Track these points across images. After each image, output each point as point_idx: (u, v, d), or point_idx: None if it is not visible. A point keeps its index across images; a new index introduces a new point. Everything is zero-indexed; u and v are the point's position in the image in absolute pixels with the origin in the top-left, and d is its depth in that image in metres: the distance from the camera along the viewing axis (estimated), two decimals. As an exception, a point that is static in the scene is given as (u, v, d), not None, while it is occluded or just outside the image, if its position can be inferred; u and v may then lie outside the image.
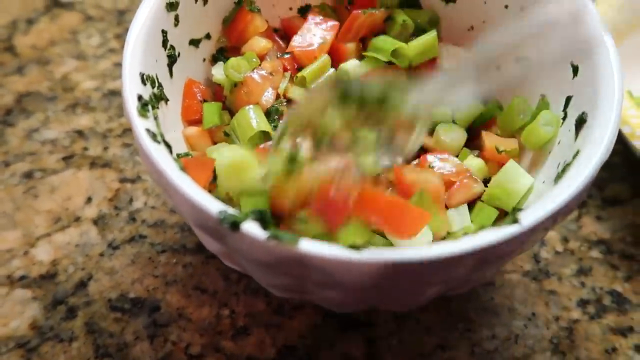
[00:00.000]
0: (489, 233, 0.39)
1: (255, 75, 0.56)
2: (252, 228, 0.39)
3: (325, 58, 0.57)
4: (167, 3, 0.52)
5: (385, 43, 0.58)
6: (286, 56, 0.59)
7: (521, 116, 0.55)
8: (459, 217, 0.51)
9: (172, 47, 0.53)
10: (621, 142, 0.63)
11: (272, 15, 0.62)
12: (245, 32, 0.60)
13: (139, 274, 0.58)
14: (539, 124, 0.52)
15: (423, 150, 0.58)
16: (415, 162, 0.55)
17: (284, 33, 0.63)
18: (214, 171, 0.50)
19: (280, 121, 0.54)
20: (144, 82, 0.48)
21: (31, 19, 0.79)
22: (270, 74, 0.56)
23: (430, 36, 0.58)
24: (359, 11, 0.59)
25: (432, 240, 0.49)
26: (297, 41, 0.59)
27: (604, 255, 0.61)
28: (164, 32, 0.52)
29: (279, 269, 0.41)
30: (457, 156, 0.56)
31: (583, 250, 0.62)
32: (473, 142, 0.58)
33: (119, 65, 0.75)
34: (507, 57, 0.39)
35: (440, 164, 0.53)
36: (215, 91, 0.59)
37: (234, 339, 0.55)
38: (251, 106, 0.54)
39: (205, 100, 0.56)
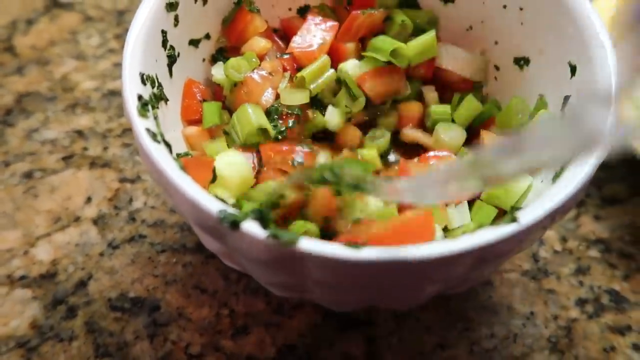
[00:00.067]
0: (487, 232, 0.40)
1: (255, 75, 0.56)
2: (251, 227, 0.39)
3: (324, 58, 0.57)
4: (166, 3, 0.52)
5: (384, 43, 0.58)
6: (285, 56, 0.59)
7: (519, 116, 0.55)
8: (459, 215, 0.51)
9: (171, 47, 0.54)
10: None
11: (271, 16, 0.63)
12: (244, 32, 0.60)
13: (139, 274, 0.59)
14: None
15: (423, 149, 0.58)
16: (415, 160, 0.55)
17: (283, 33, 0.64)
18: (214, 171, 0.50)
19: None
20: (143, 82, 0.48)
21: (31, 20, 0.79)
22: (270, 74, 0.56)
23: (429, 36, 0.59)
24: (358, 11, 0.59)
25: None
26: (296, 42, 0.59)
27: (603, 254, 0.62)
28: (164, 32, 0.52)
29: (279, 268, 0.41)
30: (456, 155, 0.56)
31: (581, 249, 0.62)
32: (472, 142, 0.58)
33: (118, 65, 0.75)
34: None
35: (440, 162, 0.54)
36: (215, 91, 0.59)
37: (233, 338, 0.55)
38: (251, 104, 0.55)
39: (204, 100, 0.56)
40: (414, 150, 0.59)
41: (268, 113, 0.55)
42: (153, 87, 0.49)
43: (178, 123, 0.55)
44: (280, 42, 0.62)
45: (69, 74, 0.74)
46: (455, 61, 0.61)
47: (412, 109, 0.60)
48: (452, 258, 0.39)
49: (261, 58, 0.58)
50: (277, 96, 0.57)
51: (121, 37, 0.78)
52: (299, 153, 0.52)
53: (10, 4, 0.81)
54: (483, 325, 0.57)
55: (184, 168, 0.43)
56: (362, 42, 0.61)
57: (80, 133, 0.69)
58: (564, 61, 0.53)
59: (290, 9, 0.64)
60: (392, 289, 0.42)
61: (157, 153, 0.43)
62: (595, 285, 0.60)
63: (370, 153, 0.56)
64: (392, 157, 0.59)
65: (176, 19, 0.54)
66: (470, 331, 0.56)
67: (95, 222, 0.62)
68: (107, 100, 0.71)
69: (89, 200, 0.63)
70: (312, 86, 0.57)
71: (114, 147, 0.68)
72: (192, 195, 0.41)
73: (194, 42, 0.57)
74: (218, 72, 0.58)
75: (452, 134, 0.57)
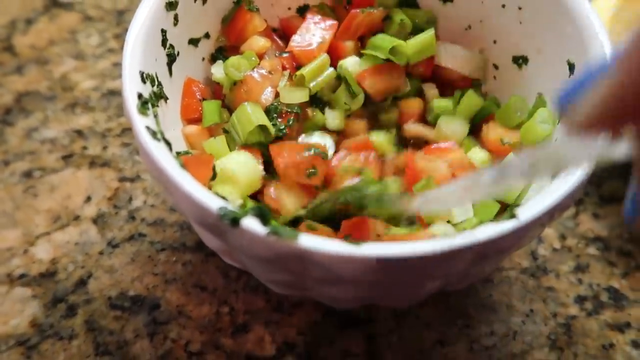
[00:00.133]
0: (487, 228, 0.40)
1: (255, 74, 0.56)
2: (252, 224, 0.39)
3: (324, 57, 0.58)
4: (166, 2, 0.52)
5: (383, 41, 0.58)
6: (285, 55, 0.59)
7: (518, 114, 0.56)
8: (463, 209, 0.51)
9: (171, 46, 0.54)
10: (618, 140, 0.64)
11: (270, 15, 0.63)
12: (244, 32, 0.60)
13: (139, 272, 0.59)
14: (536, 121, 0.53)
15: (425, 144, 0.58)
16: (420, 152, 0.55)
17: (282, 32, 0.64)
18: (214, 169, 0.50)
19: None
20: (143, 81, 0.48)
21: (30, 19, 0.79)
22: (270, 72, 0.57)
23: (428, 34, 0.59)
24: (358, 10, 0.59)
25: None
26: (296, 40, 0.59)
27: (601, 252, 0.62)
28: (164, 31, 0.52)
29: (279, 265, 0.42)
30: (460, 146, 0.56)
31: (580, 247, 0.62)
32: (474, 137, 0.58)
33: (118, 65, 0.75)
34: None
35: (445, 153, 0.54)
36: (215, 90, 0.59)
37: (233, 336, 0.55)
38: (250, 102, 0.55)
39: (204, 99, 0.57)
40: (416, 146, 0.59)
41: (267, 112, 0.55)
42: (153, 86, 0.50)
43: (178, 122, 0.55)
44: (279, 41, 0.62)
45: (69, 74, 0.74)
46: (454, 59, 0.61)
47: (413, 105, 0.60)
48: (452, 254, 0.39)
49: (260, 57, 0.59)
50: (277, 95, 0.57)
51: (121, 37, 0.78)
52: (309, 152, 0.52)
53: (10, 3, 0.81)
54: (483, 323, 0.57)
55: (184, 166, 0.44)
56: (362, 41, 0.61)
57: (79, 132, 0.69)
58: (562, 60, 0.53)
59: (289, 9, 0.64)
60: (392, 285, 0.42)
61: (157, 151, 0.43)
62: (594, 282, 0.60)
63: (379, 137, 0.56)
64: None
65: (176, 18, 0.54)
66: (470, 328, 0.56)
67: (94, 221, 0.62)
68: (106, 99, 0.72)
69: (88, 199, 0.63)
70: (311, 84, 0.57)
71: (114, 146, 0.68)
72: (193, 193, 0.41)
73: (194, 41, 0.57)
74: (218, 71, 0.58)
75: (454, 126, 0.57)
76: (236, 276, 0.58)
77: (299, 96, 0.56)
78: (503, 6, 0.58)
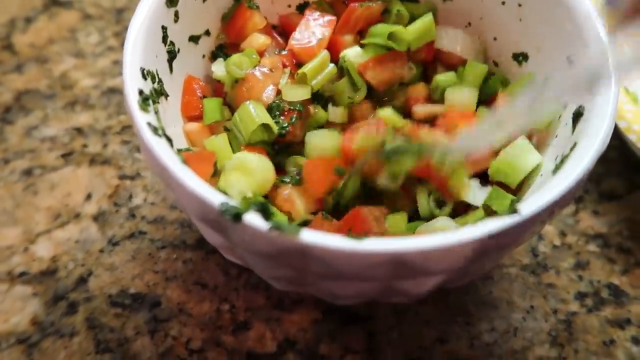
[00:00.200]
0: (488, 223, 0.40)
1: (256, 72, 0.56)
2: (254, 219, 0.39)
3: (324, 54, 0.57)
4: (167, -1, 0.52)
5: (382, 28, 0.58)
6: (284, 52, 0.59)
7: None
8: (479, 191, 0.51)
9: (172, 43, 0.54)
10: (617, 138, 0.64)
11: (270, 12, 0.63)
12: (244, 29, 0.60)
13: (139, 270, 0.59)
14: None
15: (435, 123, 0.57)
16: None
17: (282, 30, 0.64)
18: (215, 165, 0.50)
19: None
20: (144, 77, 0.48)
21: (30, 18, 0.79)
22: (271, 70, 0.57)
23: (427, 19, 0.58)
24: (356, 4, 0.59)
25: (450, 211, 0.52)
26: (295, 38, 0.59)
27: (601, 249, 0.62)
28: (164, 28, 0.52)
29: (281, 260, 0.42)
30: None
31: (580, 244, 0.62)
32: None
33: (117, 63, 0.75)
34: None
35: (461, 119, 0.54)
36: (215, 88, 0.59)
37: (234, 334, 0.55)
38: (252, 101, 0.55)
39: (204, 97, 0.56)
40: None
41: (269, 109, 0.55)
42: (154, 83, 0.50)
43: (178, 119, 0.55)
44: (279, 39, 0.62)
45: (68, 72, 0.74)
46: (455, 43, 0.60)
47: (419, 90, 0.59)
48: (453, 249, 0.39)
49: (260, 54, 0.59)
50: (278, 92, 0.57)
51: (120, 35, 0.78)
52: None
53: (9, 2, 0.81)
54: (483, 320, 0.57)
55: (185, 162, 0.44)
56: (361, 36, 0.61)
57: (79, 130, 0.69)
58: (562, 56, 0.53)
59: (289, 6, 0.64)
60: (393, 280, 0.42)
61: (159, 147, 0.43)
62: (595, 279, 0.60)
63: (387, 112, 0.56)
64: None
65: (176, 15, 0.54)
66: (471, 325, 0.56)
67: (95, 218, 0.62)
68: (106, 97, 0.72)
69: (88, 197, 0.63)
70: (313, 82, 0.57)
71: (114, 144, 0.68)
72: (195, 189, 0.41)
73: (194, 39, 0.57)
74: (218, 68, 0.58)
75: (462, 94, 0.56)
76: (237, 274, 0.58)
77: (301, 93, 0.56)
78: (503, 3, 0.58)
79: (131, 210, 0.63)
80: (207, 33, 0.59)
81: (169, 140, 0.47)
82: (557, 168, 0.46)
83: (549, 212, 0.42)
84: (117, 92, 0.72)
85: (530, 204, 0.41)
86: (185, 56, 0.56)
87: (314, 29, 0.59)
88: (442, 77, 0.59)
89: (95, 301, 0.57)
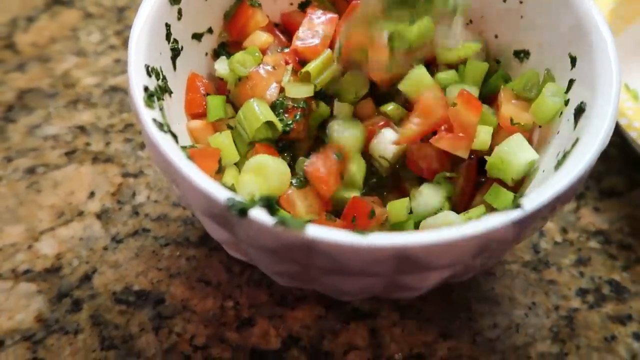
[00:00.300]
0: (491, 218, 0.40)
1: (260, 70, 0.56)
2: (259, 214, 0.40)
3: (328, 52, 0.58)
4: (170, -4, 0.52)
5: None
6: (287, 50, 0.59)
7: (529, 87, 0.55)
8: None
9: (175, 40, 0.54)
10: (618, 135, 0.64)
11: (272, 10, 0.63)
12: (246, 27, 0.60)
13: (143, 267, 0.59)
14: (545, 95, 0.52)
15: None
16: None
17: (284, 28, 0.64)
18: (220, 162, 0.50)
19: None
20: (149, 74, 0.48)
21: (31, 17, 0.79)
22: (274, 67, 0.57)
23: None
24: (358, 1, 0.59)
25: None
26: (299, 37, 0.59)
27: (602, 245, 0.62)
28: (168, 25, 0.53)
29: (286, 255, 0.42)
30: None
31: (582, 240, 0.63)
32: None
33: (119, 61, 0.75)
34: None
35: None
36: (218, 85, 0.59)
37: (238, 330, 0.55)
38: (256, 99, 0.55)
39: (208, 94, 0.57)
40: None
41: (273, 107, 0.56)
42: (158, 80, 0.50)
43: (182, 116, 0.55)
44: (281, 36, 0.62)
45: (70, 71, 0.74)
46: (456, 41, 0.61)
47: None
48: (457, 244, 0.39)
49: (263, 52, 0.59)
50: (281, 90, 0.57)
51: (121, 34, 0.78)
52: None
53: (11, 1, 0.81)
54: (485, 316, 0.57)
55: (190, 158, 0.44)
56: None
57: (82, 129, 0.69)
58: (564, 53, 0.53)
59: (291, 4, 0.64)
60: (397, 275, 0.42)
61: (164, 142, 0.43)
62: (596, 275, 0.60)
63: (389, 107, 0.57)
64: None
65: (180, 12, 0.54)
66: (473, 322, 0.57)
67: (98, 216, 0.62)
68: (108, 96, 0.72)
69: (92, 195, 0.64)
70: (316, 81, 0.57)
71: (116, 142, 0.68)
72: (200, 184, 0.41)
73: (197, 36, 0.58)
74: (221, 66, 0.58)
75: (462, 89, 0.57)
76: (240, 271, 0.59)
77: (305, 91, 0.56)
78: (504, 1, 0.59)
79: (134, 208, 0.63)
80: (210, 31, 0.59)
81: (174, 136, 0.47)
82: (559, 164, 0.47)
83: (551, 207, 0.43)
84: (119, 90, 0.72)
85: (533, 200, 0.41)
86: (188, 54, 0.56)
87: (316, 27, 0.59)
88: (443, 75, 0.59)
89: (100, 298, 0.57)
